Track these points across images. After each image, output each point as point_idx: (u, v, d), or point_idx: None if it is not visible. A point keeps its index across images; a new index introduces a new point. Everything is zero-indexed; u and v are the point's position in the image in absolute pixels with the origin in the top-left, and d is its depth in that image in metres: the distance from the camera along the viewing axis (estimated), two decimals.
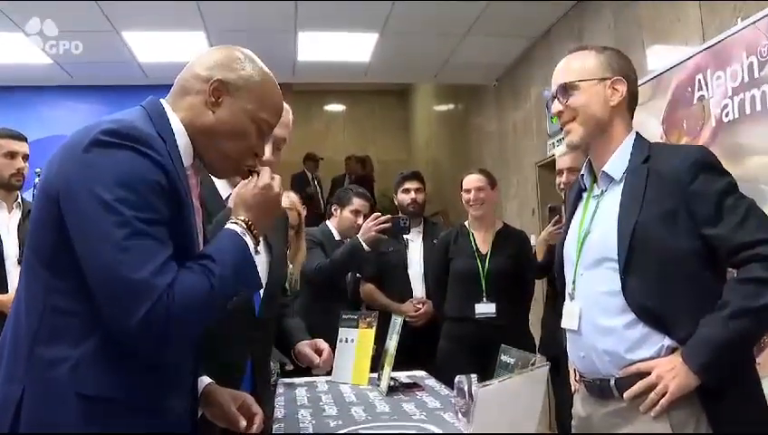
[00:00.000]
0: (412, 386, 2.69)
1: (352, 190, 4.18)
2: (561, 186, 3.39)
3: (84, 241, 1.27)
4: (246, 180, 1.57)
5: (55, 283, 1.31)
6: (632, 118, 1.97)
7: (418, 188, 4.33)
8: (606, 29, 4.69)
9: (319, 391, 2.64)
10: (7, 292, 3.21)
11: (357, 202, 4.03)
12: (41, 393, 1.29)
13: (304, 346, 2.35)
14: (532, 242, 4.14)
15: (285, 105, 2.13)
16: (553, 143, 5.49)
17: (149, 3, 4.80)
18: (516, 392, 1.38)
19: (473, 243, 3.80)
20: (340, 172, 10.34)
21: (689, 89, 3.24)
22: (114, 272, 1.24)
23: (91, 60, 5.83)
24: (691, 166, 1.77)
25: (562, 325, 1.98)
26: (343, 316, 2.94)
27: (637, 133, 1.94)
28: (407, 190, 4.32)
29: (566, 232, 2.06)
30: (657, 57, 4.02)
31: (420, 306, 4.10)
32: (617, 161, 1.90)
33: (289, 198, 3.64)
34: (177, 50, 5.50)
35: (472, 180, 3.82)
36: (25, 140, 3.46)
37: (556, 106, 1.94)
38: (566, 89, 1.91)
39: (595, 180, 1.98)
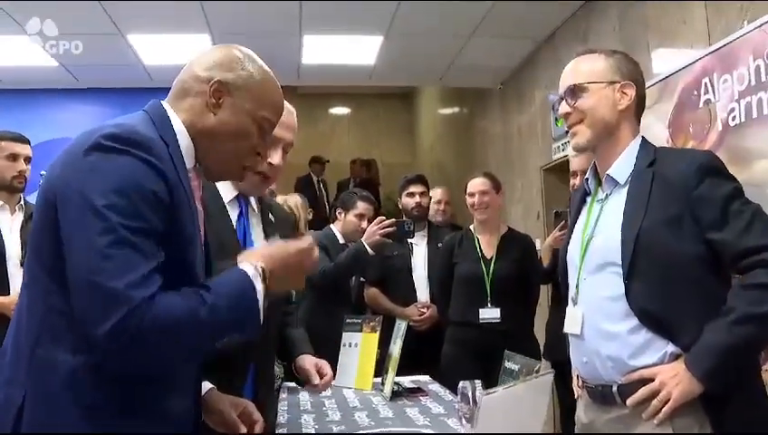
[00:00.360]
0: (416, 391, 2.68)
1: (357, 194, 4.16)
2: (575, 187, 3.36)
3: (69, 244, 1.26)
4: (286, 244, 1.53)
5: (55, 286, 1.30)
6: (639, 123, 1.95)
7: (423, 191, 4.32)
8: (611, 31, 4.68)
9: (322, 396, 2.63)
10: (9, 294, 3.21)
11: (361, 206, 4.02)
12: (41, 397, 1.28)
13: (306, 361, 2.26)
14: (538, 246, 4.13)
15: (290, 108, 2.15)
16: (559, 146, 5.48)
17: (154, 5, 4.81)
18: (520, 400, 1.37)
19: (477, 247, 3.78)
20: (344, 175, 10.33)
21: (695, 92, 3.22)
22: (91, 278, 1.22)
23: (97, 63, 5.86)
24: (697, 170, 1.75)
25: (565, 330, 1.97)
26: (347, 320, 2.94)
27: (643, 138, 1.93)
28: (411, 194, 4.32)
29: (569, 236, 2.04)
30: (662, 60, 4.00)
31: (424, 311, 4.09)
32: (622, 165, 1.89)
33: (293, 200, 3.64)
34: (182, 52, 5.48)
35: (476, 184, 3.81)
36: (28, 142, 3.47)
37: (563, 108, 1.93)
38: (574, 91, 1.89)
39: (600, 184, 1.97)
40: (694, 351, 1.68)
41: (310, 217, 4.88)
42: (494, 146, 7.34)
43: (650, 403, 1.70)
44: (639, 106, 1.93)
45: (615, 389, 1.80)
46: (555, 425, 4.70)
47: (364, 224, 3.89)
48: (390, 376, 2.59)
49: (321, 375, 2.21)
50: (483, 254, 3.76)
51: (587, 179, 2.03)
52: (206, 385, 1.68)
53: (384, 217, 3.63)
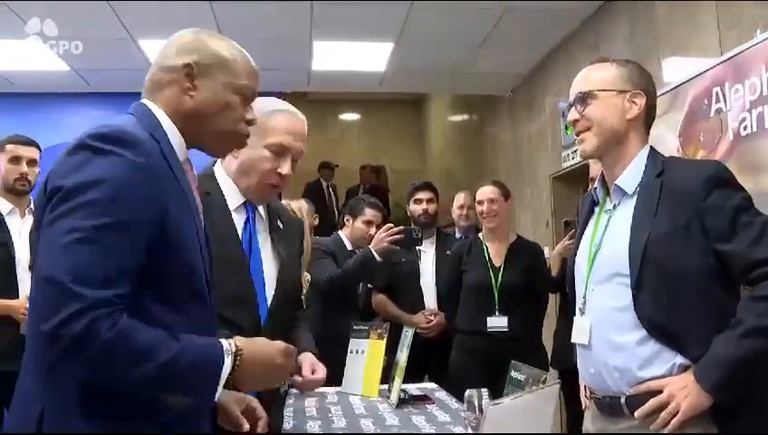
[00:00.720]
0: (422, 399, 2.67)
1: (365, 200, 4.15)
2: None
3: (41, 242, 1.26)
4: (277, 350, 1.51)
5: None
6: (648, 133, 1.94)
7: (430, 198, 4.31)
8: (622, 40, 4.67)
9: (328, 403, 2.62)
10: (18, 297, 3.22)
11: (369, 213, 4.01)
12: (58, 410, 1.26)
13: (305, 358, 2.19)
14: (546, 254, 4.11)
15: (301, 116, 2.15)
16: (569, 154, 5.46)
17: (165, 11, 4.82)
18: (526, 410, 1.36)
19: (486, 255, 3.77)
20: (353, 181, 10.33)
21: (706, 101, 3.21)
22: (47, 273, 1.20)
23: (108, 67, 5.89)
24: (705, 181, 1.74)
25: (573, 340, 1.96)
26: (354, 327, 2.93)
27: (651, 147, 1.92)
28: (418, 201, 4.31)
29: (577, 246, 2.03)
30: (673, 69, 3.99)
31: (432, 318, 4.07)
32: (630, 175, 1.88)
33: (297, 205, 3.63)
34: None
35: (485, 192, 3.80)
36: (33, 144, 3.48)
37: (572, 114, 1.93)
38: (584, 98, 1.89)
39: (608, 194, 1.96)
40: (702, 363, 1.67)
41: (316, 222, 4.88)
42: (503, 153, 7.32)
43: (659, 415, 1.69)
44: (649, 116, 1.92)
45: (623, 400, 1.79)
46: (562, 433, 4.68)
47: (372, 230, 3.88)
48: (397, 383, 2.58)
49: (313, 373, 2.14)
50: (491, 262, 3.75)
51: (595, 189, 2.02)
52: None
53: (392, 224, 3.63)
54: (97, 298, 1.19)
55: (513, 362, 1.97)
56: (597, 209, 2.00)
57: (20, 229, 3.38)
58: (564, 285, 3.99)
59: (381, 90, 7.49)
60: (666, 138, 3.33)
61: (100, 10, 4.85)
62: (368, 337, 2.83)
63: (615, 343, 1.80)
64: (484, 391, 1.83)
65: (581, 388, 2.04)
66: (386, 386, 2.69)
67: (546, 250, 4.12)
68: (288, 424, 2.31)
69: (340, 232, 4.14)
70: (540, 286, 3.82)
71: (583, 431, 2.00)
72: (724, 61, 3.11)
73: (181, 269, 1.37)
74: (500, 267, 3.73)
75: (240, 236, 2.09)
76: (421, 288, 4.18)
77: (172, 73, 1.47)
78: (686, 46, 3.86)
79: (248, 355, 1.41)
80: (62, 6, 4.76)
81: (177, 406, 1.35)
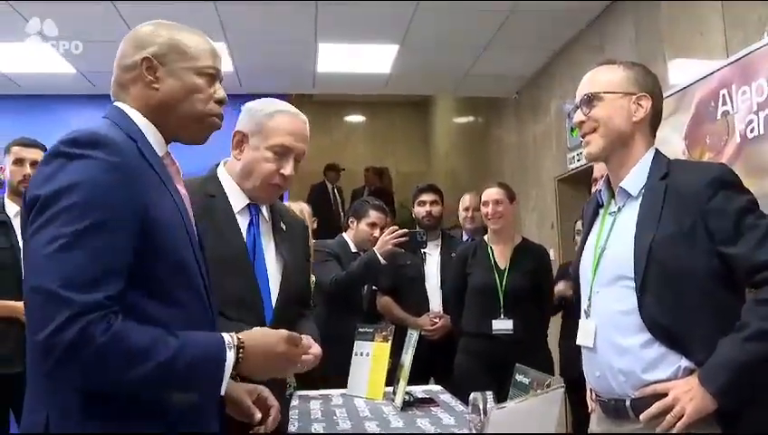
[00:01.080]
0: (427, 401, 2.66)
1: (369, 203, 4.15)
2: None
3: (29, 251, 1.26)
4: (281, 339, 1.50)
5: None
6: (654, 136, 1.94)
7: (434, 200, 4.30)
8: (627, 42, 4.66)
9: (333, 405, 2.62)
10: (22, 299, 3.23)
11: (374, 215, 4.00)
12: (64, 414, 1.27)
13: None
14: (552, 257, 4.11)
15: (303, 117, 2.15)
16: (573, 157, 5.46)
17: (171, 13, 4.77)
18: (530, 414, 1.35)
19: (491, 257, 3.76)
20: (358, 183, 10.33)
21: (713, 103, 3.20)
22: (34, 283, 1.21)
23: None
24: (710, 183, 1.74)
25: (578, 342, 1.96)
26: (359, 330, 2.92)
27: (656, 150, 1.91)
28: (422, 203, 4.31)
29: (582, 248, 2.03)
30: (679, 71, 3.98)
31: (437, 320, 4.07)
32: (635, 177, 1.88)
33: (298, 208, 3.63)
34: None
35: (490, 194, 3.79)
36: (37, 146, 3.48)
37: (578, 116, 1.92)
38: (590, 99, 1.89)
39: (612, 196, 1.96)
40: (707, 366, 1.66)
41: (314, 226, 4.87)
42: (508, 155, 7.32)
43: (664, 418, 1.68)
44: (655, 119, 1.92)
45: (628, 403, 1.79)
46: None
47: (376, 233, 3.88)
48: (402, 386, 2.58)
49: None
50: (496, 264, 3.74)
51: (600, 191, 2.01)
52: None
53: (397, 227, 3.62)
54: (87, 302, 1.19)
55: (517, 365, 1.96)
56: (601, 212, 2.00)
57: None
58: (561, 307, 4.01)
59: (386, 92, 7.49)
60: (672, 140, 3.32)
61: (106, 12, 4.87)
62: (372, 340, 2.83)
63: (620, 346, 1.80)
64: (489, 394, 1.82)
65: (587, 391, 2.04)
66: (390, 388, 2.69)
67: (551, 252, 4.11)
68: (293, 426, 2.31)
69: (344, 234, 4.14)
70: (545, 289, 3.81)
71: (589, 433, 2.00)
72: (731, 63, 3.10)
73: (171, 264, 1.38)
74: (505, 270, 3.72)
75: (244, 237, 2.09)
76: (426, 291, 4.18)
77: (133, 71, 1.49)
78: (692, 48, 3.85)
79: (251, 347, 1.41)
80: (68, 8, 4.79)
81: (182, 404, 1.35)
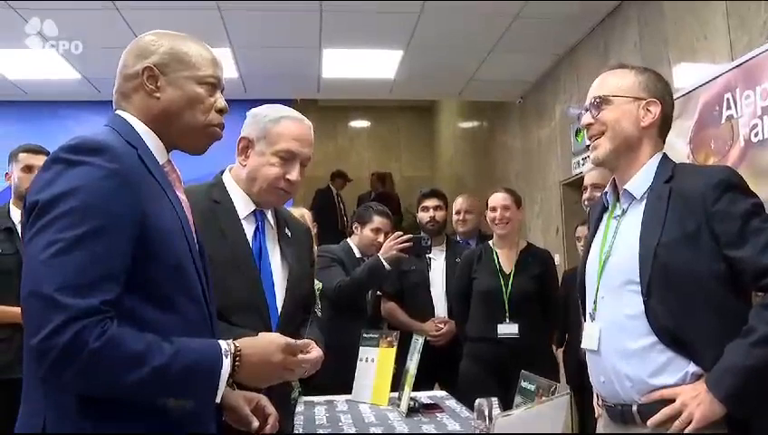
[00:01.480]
0: (432, 407, 2.66)
1: (373, 208, 4.13)
2: (586, 202, 3.36)
3: (26, 257, 1.27)
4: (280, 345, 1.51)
5: None
6: (664, 141, 1.93)
7: (438, 205, 4.30)
8: (632, 46, 4.66)
9: (338, 411, 2.62)
10: None
11: (377, 220, 4.00)
12: (61, 416, 1.28)
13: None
14: (557, 261, 4.10)
15: (308, 122, 2.16)
16: (578, 161, 5.45)
17: (175, 20, 4.83)
18: (535, 421, 1.35)
19: (496, 262, 3.76)
20: (363, 188, 10.30)
21: (717, 107, 3.20)
22: (31, 288, 1.22)
23: None
24: (715, 186, 1.73)
25: (582, 346, 1.95)
26: (364, 335, 2.92)
27: (664, 154, 1.91)
28: (426, 208, 4.30)
29: (587, 252, 2.02)
30: (683, 75, 3.98)
31: (442, 326, 4.06)
32: (639, 180, 1.87)
33: (299, 213, 3.63)
34: None
35: (498, 199, 3.78)
36: (43, 152, 3.49)
37: (586, 118, 1.92)
38: (599, 102, 1.89)
39: (618, 199, 1.95)
40: (714, 372, 1.65)
41: (315, 230, 4.86)
42: (513, 160, 7.32)
43: (671, 424, 1.67)
44: (664, 125, 1.91)
45: (635, 408, 1.78)
46: None
47: (380, 238, 3.88)
48: (407, 392, 2.57)
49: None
50: (501, 269, 3.74)
51: (606, 193, 2.01)
52: None
53: (401, 233, 3.62)
54: (82, 307, 1.20)
55: (523, 371, 1.95)
56: (606, 215, 1.99)
57: None
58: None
59: (391, 97, 7.51)
60: (676, 144, 3.32)
61: (110, 18, 4.88)
62: (377, 345, 2.83)
63: (626, 351, 1.79)
64: (495, 400, 1.82)
65: (595, 396, 2.03)
66: (396, 394, 2.68)
67: (556, 257, 4.10)
68: (298, 431, 2.31)
69: (348, 240, 4.14)
70: (550, 293, 3.80)
71: None
72: (736, 67, 3.10)
73: (168, 270, 1.38)
74: (510, 274, 3.72)
75: (250, 243, 2.10)
76: (431, 296, 4.17)
77: (135, 80, 1.50)
78: (697, 52, 3.85)
79: (247, 355, 1.42)
80: (73, 14, 4.80)
81: (176, 410, 1.35)
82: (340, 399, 2.82)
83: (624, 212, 1.91)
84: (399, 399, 2.62)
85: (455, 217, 4.60)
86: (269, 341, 1.52)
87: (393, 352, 2.77)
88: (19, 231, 3.37)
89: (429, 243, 3.68)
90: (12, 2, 4.60)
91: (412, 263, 4.10)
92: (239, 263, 2.03)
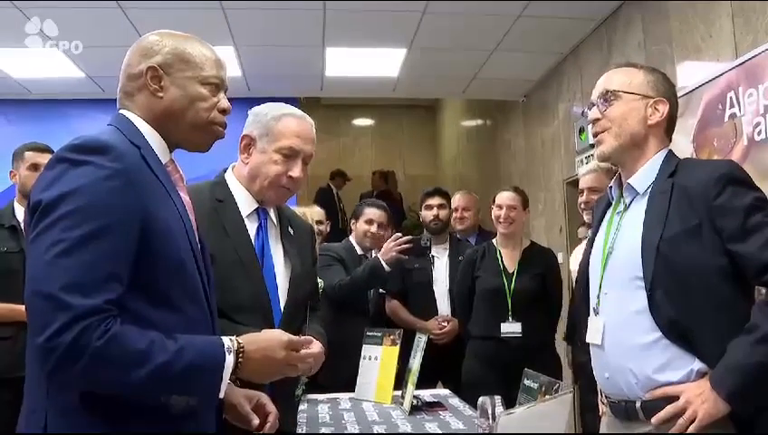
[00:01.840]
0: (435, 405, 2.66)
1: (366, 202, 4.18)
2: (583, 205, 3.35)
3: (30, 256, 1.28)
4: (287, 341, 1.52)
5: None
6: (670, 140, 1.93)
7: (441, 204, 4.30)
8: (636, 45, 4.65)
9: (342, 409, 2.63)
10: None
11: (369, 212, 4.01)
12: (62, 413, 1.29)
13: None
14: (560, 260, 4.10)
15: (309, 120, 2.16)
16: (582, 160, 5.44)
17: (179, 18, 4.85)
18: (539, 419, 1.35)
19: (499, 261, 3.76)
20: (366, 187, 10.31)
21: (720, 106, 3.19)
22: (34, 288, 1.23)
23: None
24: (717, 180, 1.73)
25: (587, 340, 1.95)
26: (367, 333, 2.93)
27: (669, 150, 1.90)
28: (429, 207, 4.30)
29: (590, 247, 2.02)
30: (687, 73, 3.97)
31: (445, 324, 4.06)
32: (643, 175, 1.87)
33: (300, 211, 3.64)
34: None
35: (505, 197, 3.78)
36: (49, 151, 3.50)
37: (594, 113, 1.91)
38: (607, 97, 1.88)
39: (622, 195, 1.95)
40: (718, 369, 1.65)
41: (328, 229, 4.88)
42: (516, 159, 7.31)
43: (675, 422, 1.67)
44: (671, 124, 1.91)
45: (638, 405, 1.78)
46: None
47: (373, 229, 3.91)
48: (410, 390, 2.58)
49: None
50: (504, 267, 3.74)
51: (610, 188, 2.01)
52: None
53: (401, 235, 3.63)
54: (86, 307, 1.21)
55: (526, 369, 1.96)
56: (610, 211, 1.99)
57: None
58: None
59: (394, 95, 7.49)
60: (679, 142, 3.31)
61: (115, 17, 4.89)
62: (381, 344, 2.84)
63: (630, 346, 1.79)
64: (498, 398, 1.82)
65: (598, 394, 2.03)
66: (399, 392, 2.69)
67: (560, 256, 4.10)
68: (301, 430, 2.31)
69: (350, 237, 4.16)
70: (553, 292, 3.80)
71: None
72: (738, 65, 3.09)
73: (171, 269, 1.39)
74: (513, 273, 3.72)
75: (253, 242, 2.10)
76: (434, 294, 4.17)
77: (139, 80, 1.51)
78: (700, 51, 3.84)
79: (250, 351, 1.43)
80: (76, 13, 4.81)
81: (179, 406, 1.36)
82: (343, 397, 2.83)
83: (627, 207, 1.91)
84: (403, 397, 2.62)
85: (453, 215, 4.59)
86: (271, 337, 1.52)
87: (396, 350, 2.77)
88: (23, 229, 3.38)
89: (429, 244, 3.69)
90: (16, 1, 4.61)
91: (415, 261, 4.12)
92: (242, 261, 2.04)
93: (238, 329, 1.65)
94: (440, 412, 2.56)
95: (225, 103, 1.58)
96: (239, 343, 1.42)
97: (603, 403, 1.98)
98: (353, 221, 4.11)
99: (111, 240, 1.27)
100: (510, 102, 7.37)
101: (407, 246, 3.54)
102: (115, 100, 1.57)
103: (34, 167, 3.42)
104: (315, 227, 3.75)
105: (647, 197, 1.85)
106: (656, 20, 4.39)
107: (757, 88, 2.93)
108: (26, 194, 3.43)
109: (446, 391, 3.07)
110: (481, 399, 1.85)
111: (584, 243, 3.59)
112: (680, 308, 1.71)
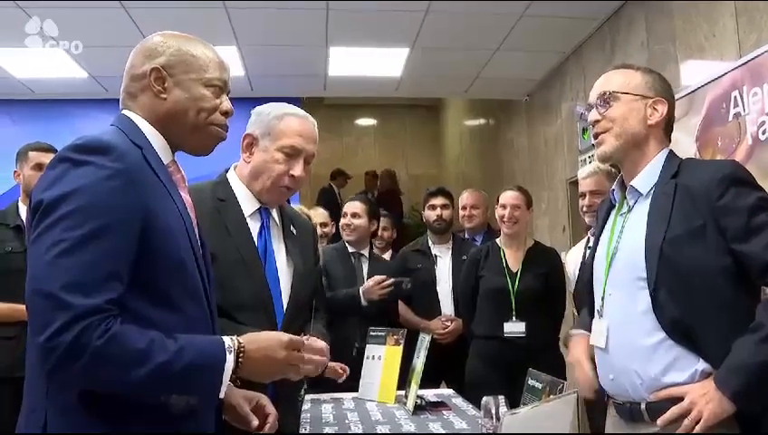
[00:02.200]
0: (439, 405, 2.66)
1: (347, 199, 4.26)
2: (585, 209, 3.33)
3: (31, 256, 1.28)
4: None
5: None
6: (670, 139, 1.93)
7: (444, 204, 4.29)
8: (639, 44, 4.64)
9: (345, 409, 2.62)
10: None
11: (345, 206, 4.10)
12: (61, 411, 1.29)
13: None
14: (563, 259, 4.09)
15: (312, 119, 2.16)
16: (585, 159, 5.44)
17: (182, 18, 4.85)
18: (543, 419, 1.35)
19: (503, 260, 3.75)
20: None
21: (724, 105, 3.19)
22: (35, 287, 1.24)
23: None
24: (721, 180, 1.72)
25: (591, 342, 1.95)
26: (371, 333, 2.93)
27: (671, 151, 1.90)
28: (433, 207, 4.30)
29: (595, 249, 2.02)
30: (691, 73, 3.96)
31: (449, 324, 4.06)
32: (646, 176, 1.88)
33: (315, 212, 3.65)
34: None
35: (509, 197, 3.77)
36: (53, 151, 3.51)
37: (593, 115, 1.91)
38: (606, 98, 1.89)
39: (625, 197, 1.95)
40: (722, 369, 1.65)
41: (333, 230, 4.90)
42: (520, 158, 7.31)
43: (681, 423, 1.66)
44: (669, 125, 1.91)
45: (643, 406, 1.77)
46: None
47: (346, 220, 3.98)
48: (413, 389, 2.58)
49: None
50: (508, 267, 3.73)
51: (613, 190, 2.01)
52: None
53: (385, 277, 3.68)
54: (87, 307, 1.21)
55: (530, 369, 1.95)
56: (613, 213, 1.99)
57: None
58: None
59: (397, 95, 7.50)
60: (683, 142, 3.31)
61: (118, 17, 4.89)
62: (384, 343, 2.83)
63: (635, 347, 1.78)
64: (501, 398, 1.82)
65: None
66: (402, 392, 2.69)
67: (563, 255, 4.09)
68: (304, 430, 2.31)
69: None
70: (557, 292, 3.79)
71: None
72: (742, 64, 3.08)
73: (171, 269, 1.39)
74: (517, 272, 3.71)
75: (255, 241, 2.10)
76: (438, 294, 4.17)
77: (142, 81, 1.52)
78: (705, 50, 3.83)
79: (251, 350, 1.43)
80: (79, 12, 4.81)
81: (179, 406, 1.37)
82: (346, 396, 2.82)
83: (630, 209, 1.91)
84: (406, 397, 2.62)
85: (461, 213, 4.59)
86: (272, 336, 1.52)
87: (400, 350, 2.77)
88: (27, 229, 3.39)
89: (409, 286, 3.71)
90: (18, 1, 4.62)
91: (418, 261, 4.13)
92: (244, 260, 2.04)
93: (240, 329, 1.65)
94: (444, 412, 2.55)
95: (227, 105, 1.59)
96: (239, 343, 1.42)
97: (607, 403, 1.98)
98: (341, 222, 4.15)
99: (112, 240, 1.27)
100: (513, 102, 7.37)
101: (386, 290, 3.64)
102: (118, 100, 1.58)
103: (38, 167, 3.43)
104: (319, 229, 3.77)
105: (650, 198, 1.85)
106: (659, 19, 4.38)
107: (761, 87, 2.92)
108: (30, 194, 3.43)
109: (450, 391, 3.06)
110: (484, 399, 1.85)
111: (581, 244, 3.61)
112: (684, 308, 1.71)
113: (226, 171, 2.22)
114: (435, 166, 11.67)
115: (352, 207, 4.03)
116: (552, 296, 3.74)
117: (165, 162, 1.51)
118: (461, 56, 5.97)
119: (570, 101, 5.84)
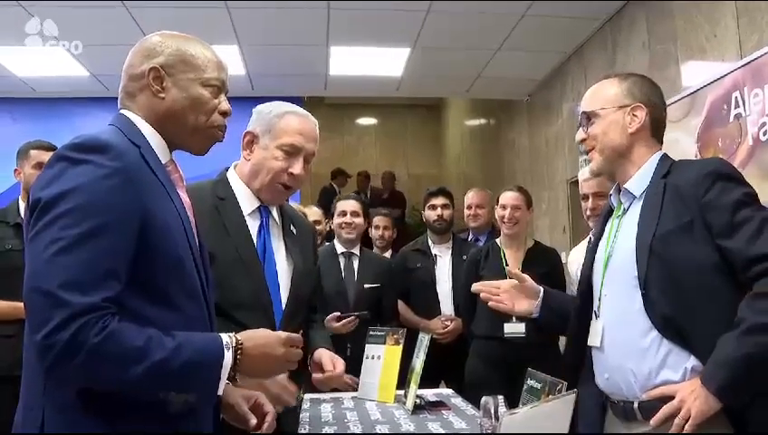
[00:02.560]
0: (438, 405, 2.65)
1: (337, 198, 4.24)
2: (588, 212, 3.30)
3: (29, 254, 1.29)
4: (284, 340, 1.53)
5: None
6: (661, 142, 1.94)
7: (445, 204, 4.29)
8: (640, 45, 4.64)
9: (344, 408, 2.62)
10: None
11: (340, 205, 4.05)
12: (59, 408, 1.30)
13: (323, 354, 2.26)
14: (563, 260, 4.09)
15: (312, 118, 2.17)
16: (586, 160, 5.43)
17: (183, 17, 4.86)
18: (542, 420, 1.35)
19: (503, 260, 3.75)
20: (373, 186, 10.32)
21: (725, 106, 3.18)
22: (33, 284, 1.24)
23: None
24: (707, 175, 1.74)
25: (588, 343, 1.96)
26: (370, 333, 2.92)
27: (664, 154, 1.92)
28: (433, 207, 4.30)
29: (593, 253, 2.03)
30: (692, 73, 3.96)
31: (448, 323, 4.06)
32: (639, 179, 1.90)
33: (310, 211, 3.65)
34: None
35: (509, 197, 3.77)
36: (53, 149, 3.51)
37: (579, 134, 1.98)
38: (588, 118, 1.94)
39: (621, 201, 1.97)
40: (707, 366, 1.66)
41: (328, 228, 4.89)
42: (520, 158, 7.31)
43: (673, 422, 1.67)
44: (656, 127, 1.93)
45: (636, 405, 1.79)
46: None
47: (347, 218, 3.95)
48: (413, 389, 2.57)
49: (334, 367, 2.20)
50: (508, 267, 3.73)
51: (611, 195, 2.03)
52: None
53: (339, 314, 3.64)
54: (84, 304, 1.22)
55: (529, 369, 1.95)
56: (611, 218, 2.00)
57: None
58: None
59: (398, 94, 7.51)
60: (683, 142, 3.31)
61: (119, 15, 4.90)
62: (384, 343, 2.83)
63: (628, 346, 1.80)
64: (501, 398, 1.82)
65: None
66: (402, 392, 2.69)
67: (563, 256, 4.09)
68: (304, 429, 2.31)
69: (335, 239, 4.16)
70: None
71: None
72: (743, 65, 3.08)
73: (169, 267, 1.40)
74: None
75: (255, 240, 2.10)
76: (437, 294, 4.17)
77: (141, 80, 1.52)
78: (706, 51, 3.83)
79: (249, 347, 1.44)
80: (81, 12, 4.82)
81: (177, 404, 1.37)
82: (346, 396, 2.82)
83: (625, 211, 1.93)
84: (405, 396, 2.61)
85: (466, 212, 4.57)
86: (270, 333, 1.53)
87: (399, 349, 2.76)
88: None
89: (368, 317, 3.67)
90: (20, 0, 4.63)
91: (418, 261, 4.13)
92: (244, 260, 2.04)
93: (231, 327, 1.65)
94: (443, 412, 2.55)
95: (225, 106, 1.59)
96: (237, 340, 1.42)
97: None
98: (331, 222, 4.13)
99: (110, 238, 1.28)
100: (514, 102, 7.38)
101: (350, 327, 3.60)
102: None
103: (39, 165, 3.42)
104: None
105: (642, 199, 1.86)
106: (660, 20, 4.38)
107: (762, 88, 2.92)
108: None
109: (449, 391, 3.06)
110: (484, 398, 1.85)
111: (583, 244, 3.60)
112: (675, 305, 1.72)
113: (226, 170, 2.22)
114: (435, 166, 11.68)
115: (352, 205, 4.01)
116: None
117: (163, 162, 1.51)
118: (462, 56, 5.97)
119: (571, 101, 5.84)
